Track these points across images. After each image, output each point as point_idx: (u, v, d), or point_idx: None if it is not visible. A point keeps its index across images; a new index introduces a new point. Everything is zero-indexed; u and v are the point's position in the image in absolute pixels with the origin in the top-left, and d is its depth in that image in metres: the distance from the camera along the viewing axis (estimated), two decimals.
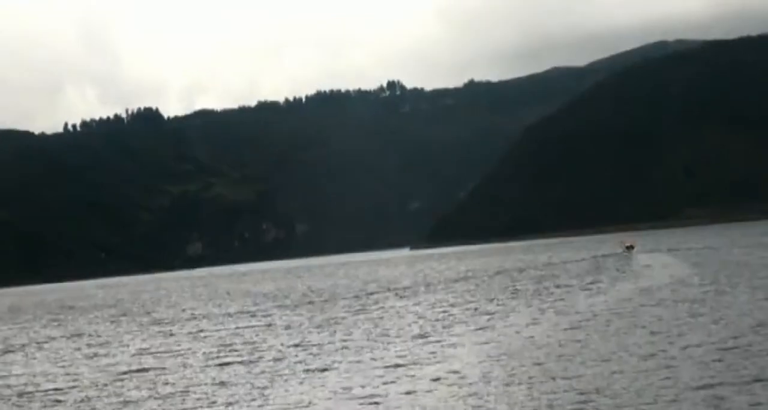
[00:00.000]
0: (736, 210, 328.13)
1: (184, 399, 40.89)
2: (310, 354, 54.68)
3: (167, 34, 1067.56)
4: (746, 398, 31.02)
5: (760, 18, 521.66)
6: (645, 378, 35.22)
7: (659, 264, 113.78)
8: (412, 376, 41.73)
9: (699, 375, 35.23)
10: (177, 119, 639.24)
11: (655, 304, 62.61)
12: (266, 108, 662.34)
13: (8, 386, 52.47)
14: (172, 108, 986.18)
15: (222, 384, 46.17)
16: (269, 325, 78.85)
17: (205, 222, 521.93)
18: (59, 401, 44.71)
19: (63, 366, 60.12)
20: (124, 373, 52.59)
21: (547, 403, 32.67)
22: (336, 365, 48.45)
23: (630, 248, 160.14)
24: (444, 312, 75.96)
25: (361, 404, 36.37)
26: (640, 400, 31.61)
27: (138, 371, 53.09)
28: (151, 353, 63.73)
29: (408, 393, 37.78)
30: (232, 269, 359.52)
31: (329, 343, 60.38)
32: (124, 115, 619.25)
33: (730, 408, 30.26)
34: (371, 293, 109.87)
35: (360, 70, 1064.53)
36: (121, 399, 42.59)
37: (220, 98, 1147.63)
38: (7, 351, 78.02)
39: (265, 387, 42.30)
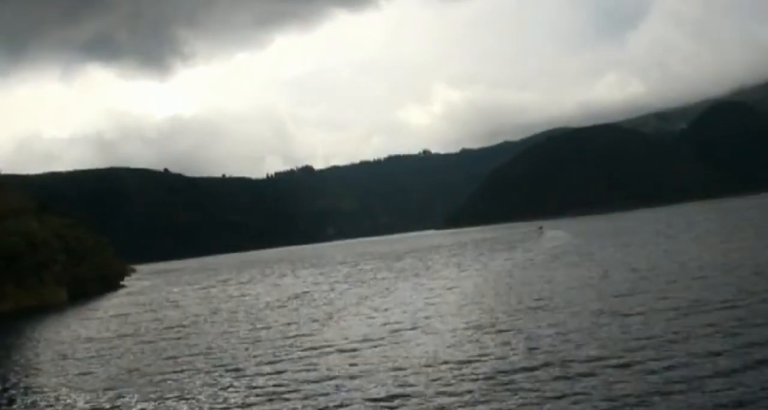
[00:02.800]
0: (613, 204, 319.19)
1: (340, 300, 39.93)
2: (391, 277, 54.70)
3: (326, 125, 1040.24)
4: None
5: (610, 111, 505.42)
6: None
7: (555, 236, 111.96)
8: (432, 287, 41.84)
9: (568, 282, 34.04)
10: (321, 170, 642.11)
11: (549, 258, 61.36)
12: (365, 164, 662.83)
13: (252, 297, 52.77)
14: (318, 164, 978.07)
15: (344, 291, 45.46)
16: (368, 267, 78.53)
17: (335, 219, 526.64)
18: (274, 305, 44.02)
19: (263, 290, 60.76)
20: (296, 295, 52.35)
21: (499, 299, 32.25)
22: (407, 281, 48.50)
23: (540, 228, 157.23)
24: (451, 257, 75.73)
25: (419, 300, 36.27)
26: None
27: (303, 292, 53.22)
28: (311, 282, 63.72)
29: (431, 294, 37.76)
30: (350, 241, 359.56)
31: (408, 268, 60.04)
32: (295, 169, 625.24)
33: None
34: (414, 251, 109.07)
35: (408, 144, 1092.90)
36: (289, 309, 40.90)
37: (341, 158, 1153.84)
38: (247, 282, 78.35)
39: (368, 295, 42.21)
